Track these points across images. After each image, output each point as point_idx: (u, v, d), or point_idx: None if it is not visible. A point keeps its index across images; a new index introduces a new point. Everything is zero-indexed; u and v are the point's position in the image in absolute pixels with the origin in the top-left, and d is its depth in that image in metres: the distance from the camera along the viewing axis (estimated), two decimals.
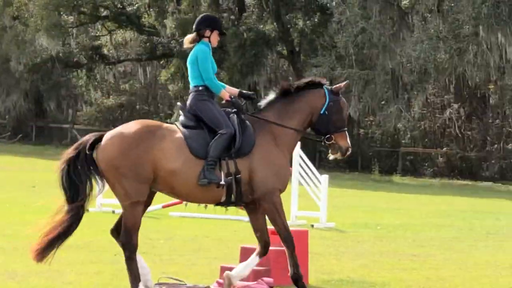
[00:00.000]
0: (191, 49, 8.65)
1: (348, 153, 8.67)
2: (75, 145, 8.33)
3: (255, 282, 8.70)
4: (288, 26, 39.60)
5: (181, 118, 8.49)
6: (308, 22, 38.90)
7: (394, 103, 35.52)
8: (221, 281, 8.59)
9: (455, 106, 40.09)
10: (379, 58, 35.25)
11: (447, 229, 15.89)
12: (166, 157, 8.14)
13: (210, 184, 8.14)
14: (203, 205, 12.42)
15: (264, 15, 40.53)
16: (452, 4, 35.16)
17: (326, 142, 8.65)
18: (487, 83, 39.29)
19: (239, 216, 13.73)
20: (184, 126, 8.38)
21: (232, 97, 8.67)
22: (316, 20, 38.90)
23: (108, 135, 8.23)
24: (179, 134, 8.29)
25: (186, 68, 8.74)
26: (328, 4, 37.74)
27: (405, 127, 39.76)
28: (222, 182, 8.17)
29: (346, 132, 8.69)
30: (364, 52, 35.27)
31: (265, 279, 8.79)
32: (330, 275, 9.88)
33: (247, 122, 8.47)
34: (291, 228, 8.56)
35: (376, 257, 11.65)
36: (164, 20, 39.70)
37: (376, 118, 38.38)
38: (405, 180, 34.65)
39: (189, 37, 8.72)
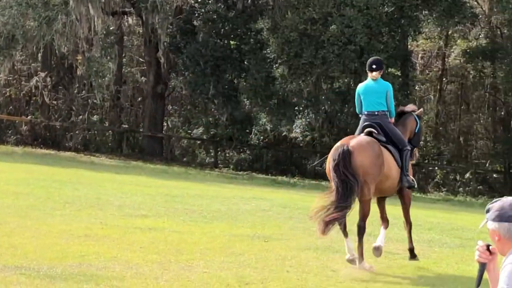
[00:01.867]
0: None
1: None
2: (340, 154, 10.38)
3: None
4: None
5: (376, 136, 10.98)
6: None
7: None
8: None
9: (42, 74, 39.80)
10: None
11: (25, 197, 15.65)
12: (388, 166, 10.91)
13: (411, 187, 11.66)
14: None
15: None
16: None
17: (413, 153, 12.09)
18: (75, 54, 39.52)
19: None
20: (379, 141, 10.99)
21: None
22: None
23: (356, 147, 10.50)
24: (385, 148, 11.01)
25: None
26: None
27: None
28: (416, 186, 11.95)
29: None
30: None
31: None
32: None
33: None
34: None
35: None
36: None
37: None
38: None
39: (378, 73, 11.35)
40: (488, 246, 4.68)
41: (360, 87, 11.51)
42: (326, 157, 11.06)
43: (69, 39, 36.91)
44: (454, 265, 11.38)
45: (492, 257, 4.70)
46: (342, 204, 10.23)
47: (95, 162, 32.88)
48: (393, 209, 21.39)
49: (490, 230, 4.56)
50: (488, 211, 4.60)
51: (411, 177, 11.50)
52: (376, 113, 11.15)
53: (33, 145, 38.38)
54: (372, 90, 11.18)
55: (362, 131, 11.20)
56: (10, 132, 39.66)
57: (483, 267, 4.71)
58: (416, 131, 12.14)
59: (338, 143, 10.79)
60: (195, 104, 39.11)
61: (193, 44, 36.79)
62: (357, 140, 10.73)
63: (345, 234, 10.71)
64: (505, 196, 4.68)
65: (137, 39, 44.54)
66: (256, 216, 15.57)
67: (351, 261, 10.40)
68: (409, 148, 11.46)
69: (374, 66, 11.35)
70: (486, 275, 4.73)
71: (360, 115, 11.46)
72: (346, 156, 10.33)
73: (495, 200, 4.64)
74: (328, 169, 10.74)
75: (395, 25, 36.44)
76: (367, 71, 11.48)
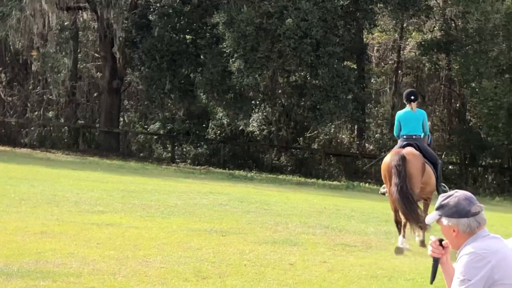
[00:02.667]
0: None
1: None
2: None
3: None
4: None
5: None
6: None
7: None
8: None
9: None
10: None
11: None
12: (429, 175, 13.13)
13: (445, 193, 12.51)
14: None
15: None
16: None
17: None
18: (30, 50, 39.13)
19: None
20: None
21: None
22: None
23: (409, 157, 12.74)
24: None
25: None
26: None
27: None
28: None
29: None
30: None
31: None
32: None
33: None
34: None
35: None
36: None
37: None
38: None
39: (415, 104, 13.46)
40: (440, 241, 4.73)
41: (400, 114, 13.65)
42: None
43: (23, 35, 36.56)
44: (411, 256, 11.49)
45: (445, 251, 4.75)
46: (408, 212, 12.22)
47: (51, 158, 32.61)
48: (351, 202, 21.54)
49: (445, 226, 4.60)
50: (441, 207, 4.62)
51: (443, 184, 13.93)
52: (413, 136, 13.29)
53: None
54: (412, 118, 13.37)
55: (402, 148, 13.16)
56: None
57: (436, 262, 4.76)
58: (429, 142, 14.18)
59: (392, 153, 13.03)
60: (151, 99, 38.93)
61: (149, 39, 36.62)
62: (409, 149, 12.95)
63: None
64: (454, 190, 4.72)
65: (92, 34, 44.20)
66: (214, 211, 15.57)
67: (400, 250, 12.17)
68: (441, 163, 14.00)
69: (412, 97, 13.48)
70: (440, 269, 4.79)
71: (398, 138, 13.63)
72: (403, 162, 12.47)
73: (445, 195, 4.67)
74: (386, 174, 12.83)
75: (351, 18, 36.64)
76: (405, 101, 13.57)
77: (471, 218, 4.52)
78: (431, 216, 4.68)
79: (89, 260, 9.20)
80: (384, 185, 13.59)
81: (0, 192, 16.25)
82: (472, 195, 4.63)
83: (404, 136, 13.35)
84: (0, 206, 13.99)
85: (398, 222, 12.76)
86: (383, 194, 13.87)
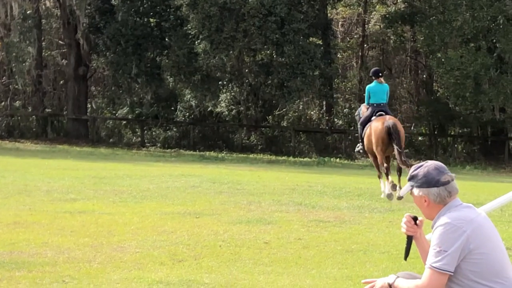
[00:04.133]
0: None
1: None
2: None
3: None
4: None
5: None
6: None
7: None
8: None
9: None
10: None
11: None
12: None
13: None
14: None
15: None
16: None
17: None
18: None
19: None
20: None
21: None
22: None
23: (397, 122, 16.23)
24: None
25: None
26: None
27: None
28: None
29: None
30: None
31: None
32: None
33: None
34: None
35: None
36: None
37: None
38: None
39: (381, 78, 16.92)
40: (415, 219, 4.76)
41: (370, 86, 16.80)
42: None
43: None
44: (385, 229, 11.56)
45: (419, 228, 4.79)
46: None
47: (20, 148, 32.39)
48: (323, 177, 21.62)
49: (416, 196, 4.63)
50: (412, 178, 4.66)
51: None
52: (381, 104, 16.54)
53: None
54: (380, 89, 16.66)
55: (375, 114, 16.36)
56: None
57: (410, 239, 4.79)
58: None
59: (379, 121, 16.04)
60: (118, 84, 38.74)
61: (113, 24, 36.38)
62: (392, 118, 16.26)
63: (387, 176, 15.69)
64: (425, 161, 4.75)
65: (55, 22, 43.79)
66: (186, 193, 15.56)
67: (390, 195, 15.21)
68: None
69: (380, 74, 16.92)
70: (413, 246, 4.82)
71: (368, 105, 16.71)
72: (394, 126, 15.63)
73: (416, 166, 4.70)
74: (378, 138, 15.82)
75: None
76: (373, 77, 16.89)
77: (441, 188, 4.55)
78: (405, 188, 4.72)
79: (63, 249, 9.16)
80: (359, 144, 17.03)
81: None
82: (443, 165, 4.66)
83: (374, 104, 16.58)
84: None
85: (379, 168, 16.27)
86: (359, 152, 17.34)
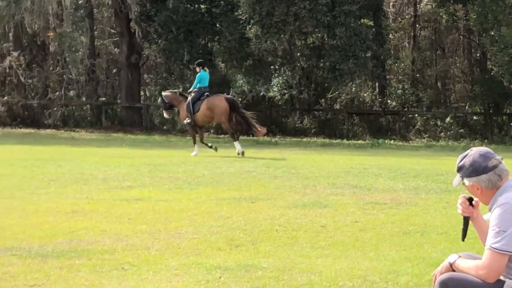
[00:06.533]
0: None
1: None
2: None
3: None
4: None
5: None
6: None
7: None
8: None
9: (15, 54, 39.47)
10: None
11: (8, 178, 15.57)
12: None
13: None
14: None
15: None
16: None
17: None
18: (46, 31, 39.20)
19: None
20: None
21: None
22: None
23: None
24: None
25: None
26: None
27: None
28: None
29: None
30: None
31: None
32: None
33: None
34: None
35: None
36: None
37: None
38: None
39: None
40: (470, 200, 4.72)
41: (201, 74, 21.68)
42: None
43: (38, 16, 36.58)
44: (442, 210, 11.47)
45: (475, 208, 4.75)
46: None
47: (76, 137, 32.78)
48: (377, 159, 21.50)
49: (469, 186, 4.60)
50: (460, 169, 4.62)
51: None
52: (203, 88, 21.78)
53: (12, 126, 38.20)
54: (207, 78, 21.47)
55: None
56: None
57: (467, 220, 4.75)
58: None
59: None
60: (170, 72, 38.92)
61: (164, 11, 36.54)
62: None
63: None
64: (470, 149, 4.70)
65: (107, 11, 44.16)
66: (241, 178, 15.60)
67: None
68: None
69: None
70: (471, 226, 4.77)
71: (195, 89, 21.80)
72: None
73: (461, 156, 4.66)
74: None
75: None
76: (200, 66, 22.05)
77: (490, 173, 4.51)
78: (456, 179, 4.68)
79: (121, 236, 9.25)
80: (188, 117, 21.32)
81: (28, 174, 16.36)
82: (488, 149, 4.61)
83: (203, 88, 22.12)
84: (29, 188, 14.09)
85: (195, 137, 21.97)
86: (189, 123, 21.24)
